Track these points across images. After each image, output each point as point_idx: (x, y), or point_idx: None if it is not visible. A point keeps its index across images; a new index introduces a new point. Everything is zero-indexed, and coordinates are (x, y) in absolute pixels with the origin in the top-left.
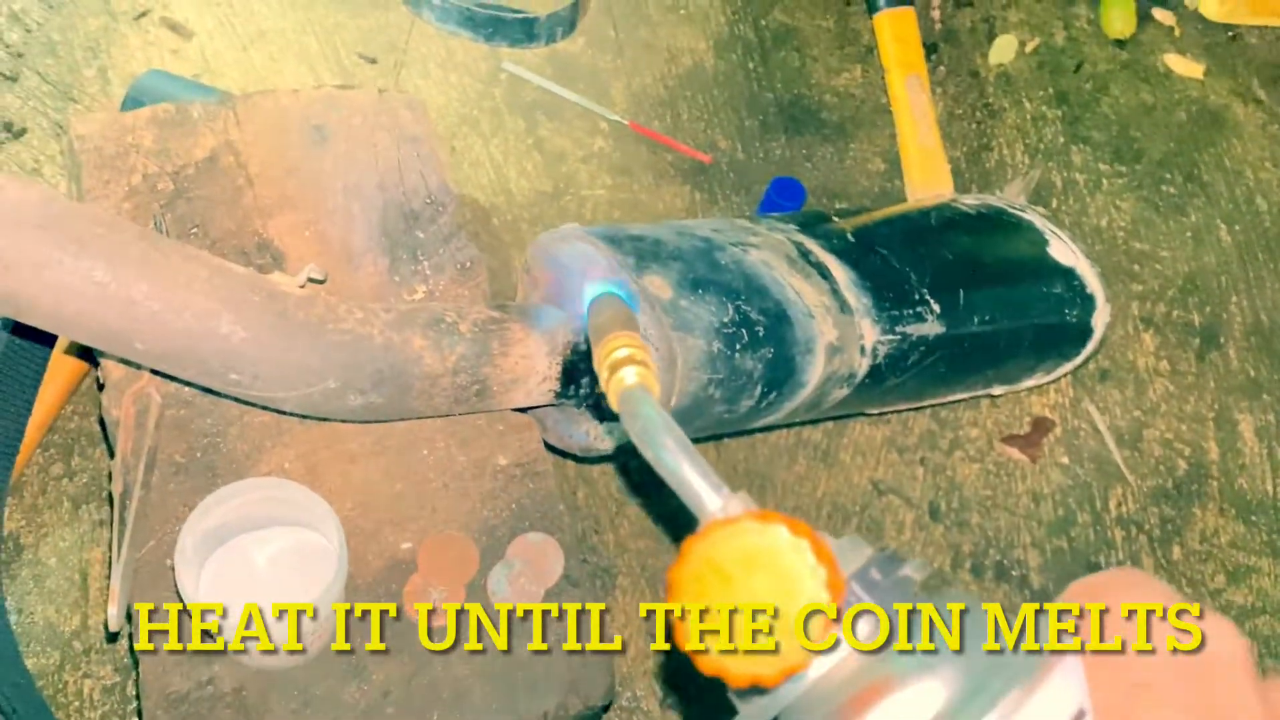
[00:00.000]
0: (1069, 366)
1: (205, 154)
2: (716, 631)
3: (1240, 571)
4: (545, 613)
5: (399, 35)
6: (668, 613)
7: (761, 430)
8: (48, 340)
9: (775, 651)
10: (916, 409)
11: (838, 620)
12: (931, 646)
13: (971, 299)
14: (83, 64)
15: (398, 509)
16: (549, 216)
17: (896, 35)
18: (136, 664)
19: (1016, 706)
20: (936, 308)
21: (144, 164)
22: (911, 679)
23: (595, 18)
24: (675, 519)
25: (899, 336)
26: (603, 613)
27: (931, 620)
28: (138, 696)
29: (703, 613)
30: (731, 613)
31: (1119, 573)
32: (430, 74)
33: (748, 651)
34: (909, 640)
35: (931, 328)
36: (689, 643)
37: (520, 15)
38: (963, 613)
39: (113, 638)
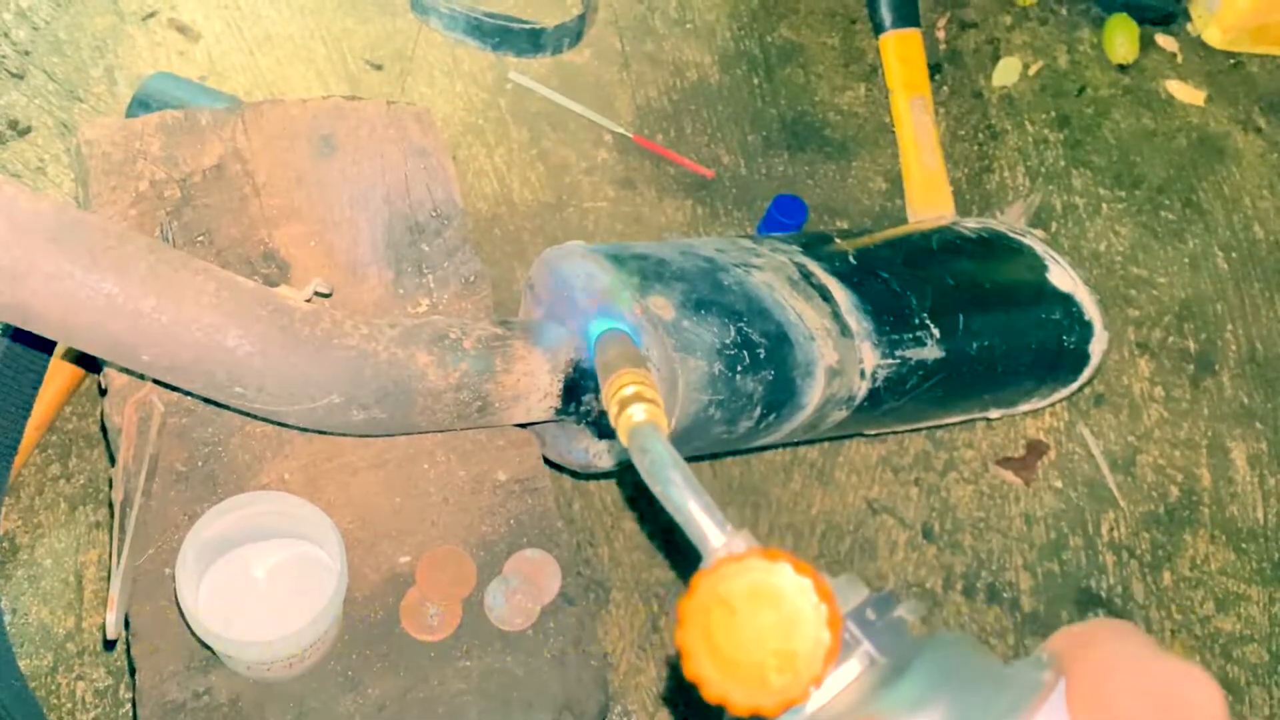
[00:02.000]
0: (1065, 392)
1: (213, 162)
2: (722, 661)
3: (1229, 599)
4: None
5: (406, 43)
6: (677, 643)
7: (759, 449)
8: (48, 344)
9: (776, 684)
10: (913, 430)
11: (835, 656)
12: (920, 687)
13: (971, 324)
14: (89, 63)
15: (397, 523)
16: (551, 228)
17: (902, 56)
18: (133, 670)
19: None
20: (936, 332)
21: (151, 170)
22: (899, 718)
23: (602, 30)
24: (670, 533)
25: (898, 360)
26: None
27: (921, 661)
28: (134, 703)
29: (710, 643)
30: (736, 644)
31: (1104, 622)
32: (436, 82)
33: (750, 682)
34: (899, 680)
35: (931, 352)
36: (695, 671)
37: (527, 25)
38: (953, 654)
39: (110, 645)
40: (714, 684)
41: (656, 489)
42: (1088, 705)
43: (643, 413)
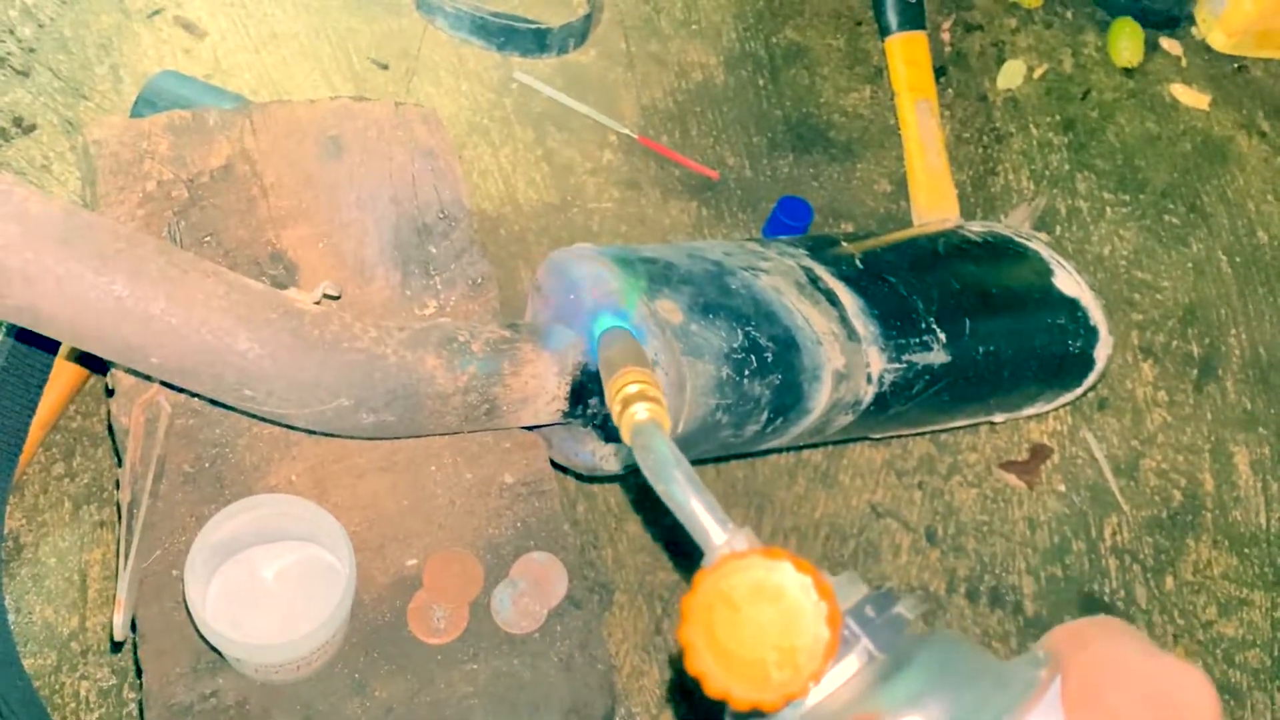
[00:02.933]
0: (1070, 396)
1: (220, 162)
2: (724, 656)
3: (1232, 603)
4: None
5: (411, 42)
6: (680, 639)
7: (764, 452)
8: (52, 344)
9: (777, 679)
10: (918, 434)
11: (834, 652)
12: (918, 683)
13: (977, 329)
14: (95, 61)
15: (404, 525)
16: (556, 228)
17: (908, 59)
18: (140, 672)
19: None
20: (942, 337)
21: (159, 171)
22: (895, 714)
23: (607, 30)
24: (674, 536)
25: (905, 365)
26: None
27: (919, 658)
28: (140, 704)
29: (712, 639)
30: (738, 639)
31: (1099, 621)
32: (441, 81)
33: (751, 677)
34: (897, 676)
35: (937, 357)
36: (698, 666)
37: (533, 25)
38: (951, 651)
39: (116, 646)
40: (716, 679)
41: (659, 487)
42: (1083, 703)
43: (645, 411)
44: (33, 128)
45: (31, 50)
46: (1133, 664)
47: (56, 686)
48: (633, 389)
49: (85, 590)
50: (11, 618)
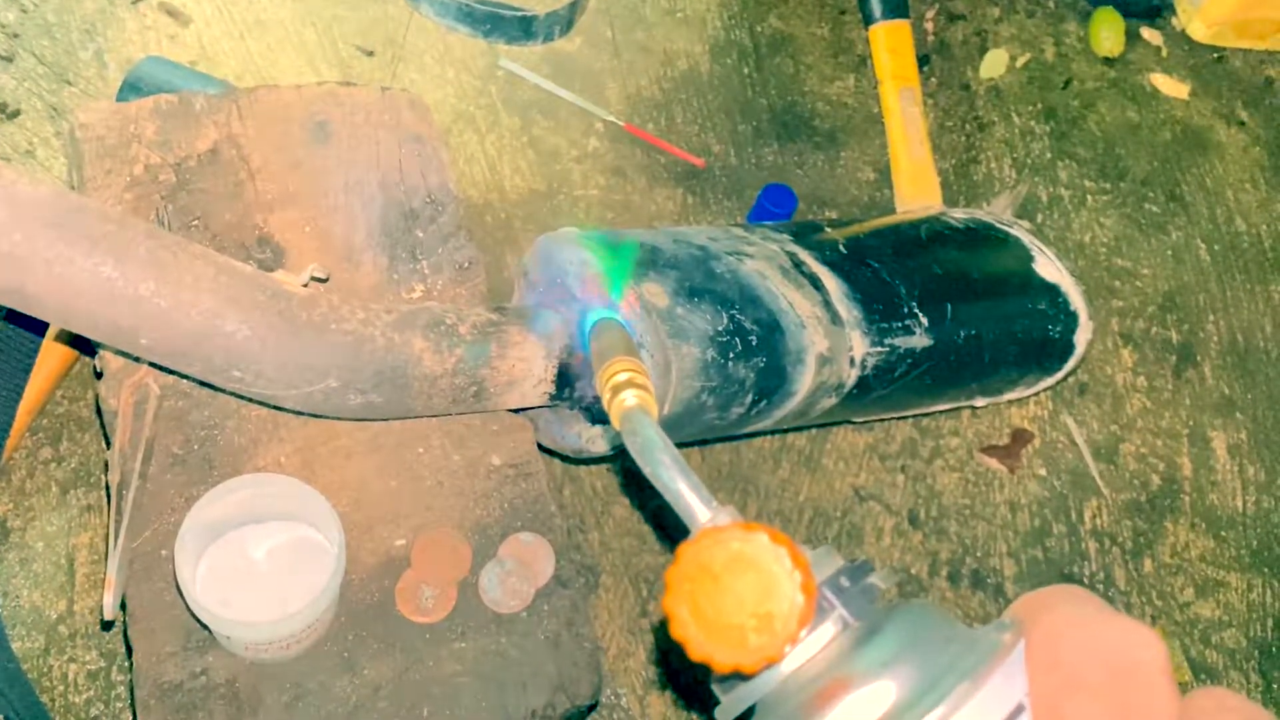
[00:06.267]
0: (1050, 381)
1: (208, 146)
2: (705, 623)
3: (1209, 585)
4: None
5: (397, 29)
6: (664, 608)
7: (748, 436)
8: (40, 326)
9: (755, 643)
10: (900, 418)
11: (809, 619)
12: (890, 648)
13: (958, 313)
14: (79, 46)
15: (392, 506)
16: (542, 215)
17: (891, 47)
18: (130, 651)
19: (962, 701)
20: (924, 321)
21: (146, 155)
22: (869, 677)
23: (593, 18)
24: (659, 519)
25: (887, 349)
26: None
27: (890, 625)
28: (131, 686)
29: (694, 607)
30: (718, 608)
31: (1061, 588)
32: (427, 68)
33: (731, 643)
34: (870, 642)
35: (919, 341)
36: (680, 633)
37: (518, 13)
38: (921, 618)
39: (107, 626)
40: (698, 644)
41: (647, 470)
42: (1043, 663)
43: (634, 398)
44: (17, 113)
45: (15, 36)
46: (1089, 624)
47: (45, 669)
48: (622, 377)
49: (73, 574)
50: None
